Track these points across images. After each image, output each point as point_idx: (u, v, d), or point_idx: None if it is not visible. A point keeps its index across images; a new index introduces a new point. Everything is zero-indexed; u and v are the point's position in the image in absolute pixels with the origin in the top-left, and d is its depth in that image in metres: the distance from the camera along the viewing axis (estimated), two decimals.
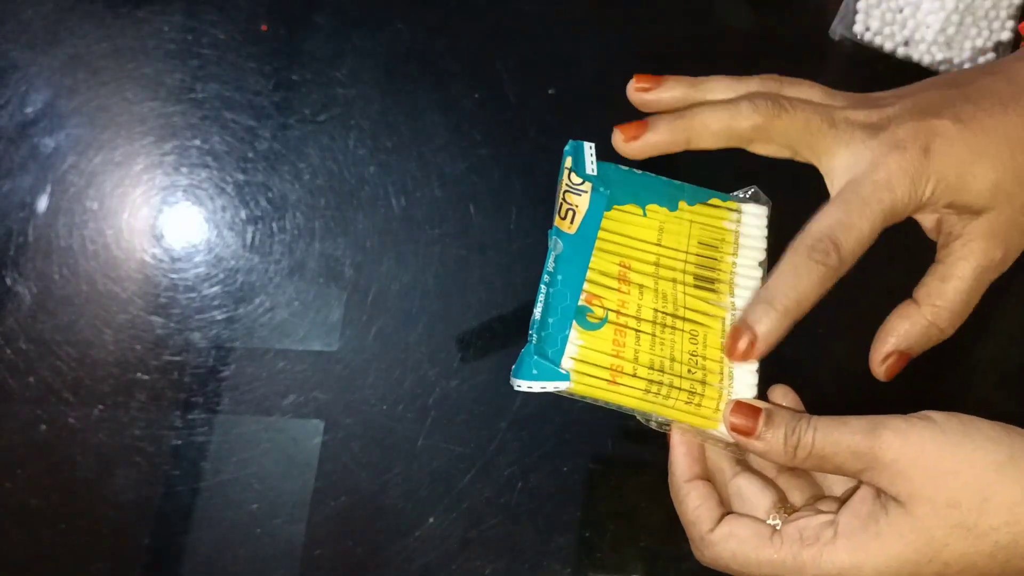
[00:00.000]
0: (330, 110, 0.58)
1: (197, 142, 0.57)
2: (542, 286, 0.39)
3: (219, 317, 0.55)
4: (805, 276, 0.36)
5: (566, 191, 0.41)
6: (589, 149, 0.42)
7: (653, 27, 0.63)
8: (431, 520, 0.53)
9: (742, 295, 0.40)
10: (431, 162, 0.58)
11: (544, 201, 0.58)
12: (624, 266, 0.40)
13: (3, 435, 0.53)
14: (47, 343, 0.53)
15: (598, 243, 0.40)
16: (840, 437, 0.34)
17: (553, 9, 0.62)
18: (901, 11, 0.60)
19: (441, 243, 0.57)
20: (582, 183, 0.41)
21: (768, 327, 0.36)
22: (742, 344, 0.36)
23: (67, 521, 0.52)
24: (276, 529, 0.53)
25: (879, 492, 0.34)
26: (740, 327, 0.37)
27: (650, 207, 0.41)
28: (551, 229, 0.40)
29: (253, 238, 0.56)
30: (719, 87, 0.40)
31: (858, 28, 0.60)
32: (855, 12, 0.60)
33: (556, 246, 0.40)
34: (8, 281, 0.54)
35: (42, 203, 0.55)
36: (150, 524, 0.52)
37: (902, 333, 0.39)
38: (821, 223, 0.37)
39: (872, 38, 0.60)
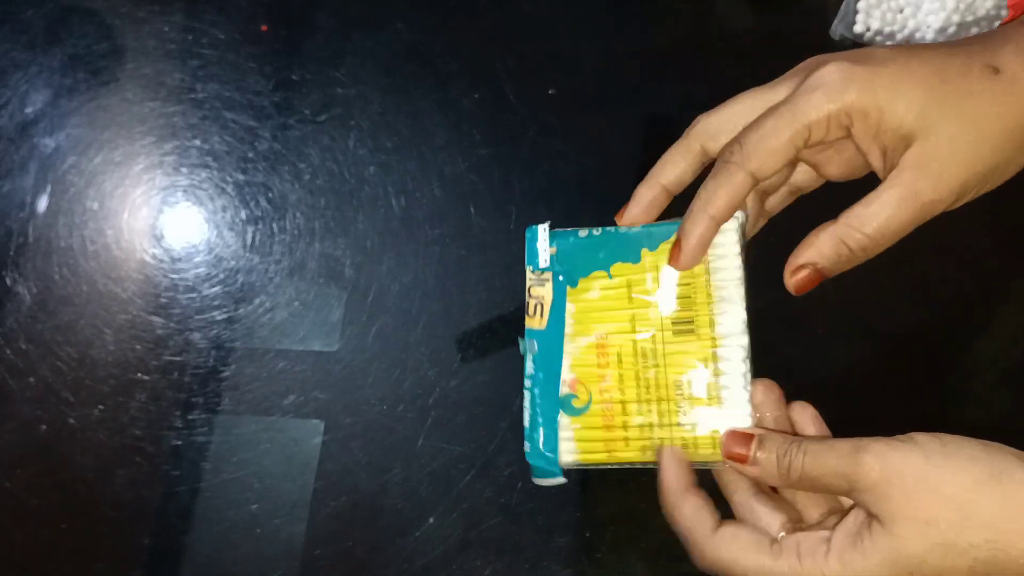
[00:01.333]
0: (330, 110, 0.58)
1: (197, 142, 0.57)
2: (525, 392, 0.41)
3: (219, 317, 0.55)
4: (715, 179, 0.39)
5: (530, 286, 0.42)
6: (542, 233, 0.42)
7: (653, 27, 0.63)
8: (431, 520, 0.53)
9: (724, 321, 0.40)
10: (431, 162, 0.58)
11: (544, 201, 0.58)
12: (600, 337, 0.41)
13: (3, 435, 0.53)
14: (47, 343, 0.53)
15: (570, 323, 0.41)
16: (826, 459, 0.35)
17: (553, 9, 0.62)
18: (901, 11, 0.60)
19: (441, 243, 0.57)
20: (542, 273, 0.42)
21: (693, 237, 0.39)
22: (672, 258, 0.40)
23: (67, 521, 0.52)
24: (276, 529, 0.53)
25: (867, 511, 0.35)
26: (675, 241, 0.40)
27: (614, 267, 0.41)
28: (525, 333, 0.42)
29: (253, 238, 0.56)
30: (669, 166, 0.42)
31: (859, 28, 0.60)
32: (856, 12, 0.60)
33: (532, 348, 0.41)
34: (8, 281, 0.54)
35: (42, 203, 0.55)
36: (150, 524, 0.52)
37: (815, 247, 0.39)
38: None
39: (873, 38, 0.60)
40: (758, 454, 0.37)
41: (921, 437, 0.34)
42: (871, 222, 0.37)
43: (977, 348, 0.60)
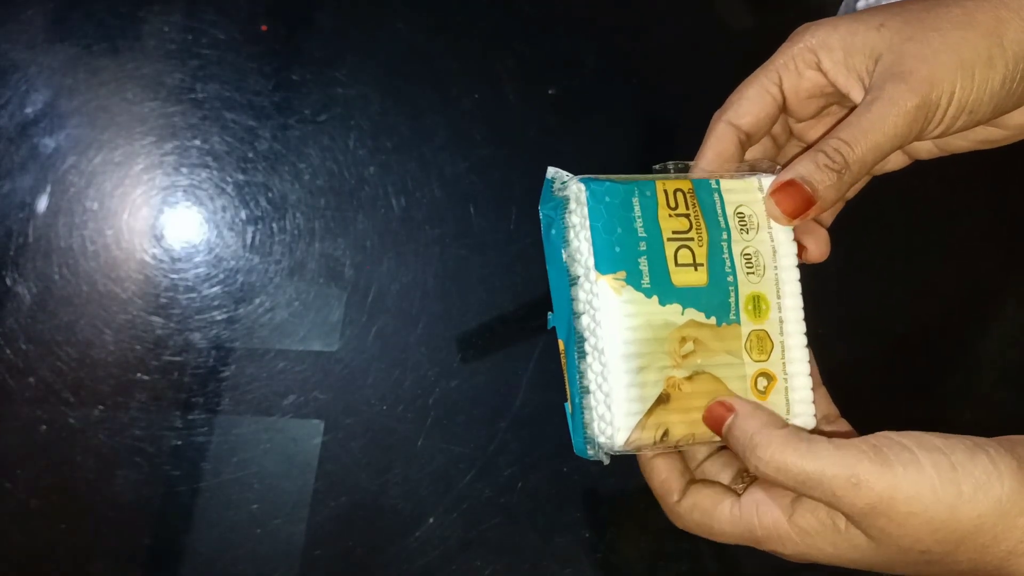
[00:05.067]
0: (330, 110, 0.58)
1: (197, 142, 0.57)
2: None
3: (219, 317, 0.55)
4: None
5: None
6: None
7: (653, 27, 0.63)
8: (431, 520, 0.53)
9: (788, 318, 0.39)
10: (431, 162, 0.58)
11: None
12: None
13: (3, 435, 0.53)
14: (47, 343, 0.53)
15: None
16: (817, 486, 0.33)
17: (553, 9, 0.62)
18: None
19: (441, 243, 0.57)
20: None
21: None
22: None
23: (67, 521, 0.52)
24: (276, 529, 0.53)
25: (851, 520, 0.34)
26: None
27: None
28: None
29: (253, 238, 0.56)
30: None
31: None
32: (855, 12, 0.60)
33: None
34: (8, 281, 0.54)
35: (42, 203, 0.55)
36: (150, 524, 0.52)
37: (801, 163, 0.37)
38: None
39: None
40: (727, 435, 0.35)
41: (927, 459, 0.32)
42: (855, 134, 0.36)
43: (977, 348, 0.60)
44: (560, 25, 0.62)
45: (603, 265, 0.36)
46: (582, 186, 0.37)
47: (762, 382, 0.38)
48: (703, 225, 0.38)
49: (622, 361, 0.36)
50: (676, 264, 0.37)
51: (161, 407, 0.53)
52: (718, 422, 0.36)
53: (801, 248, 0.40)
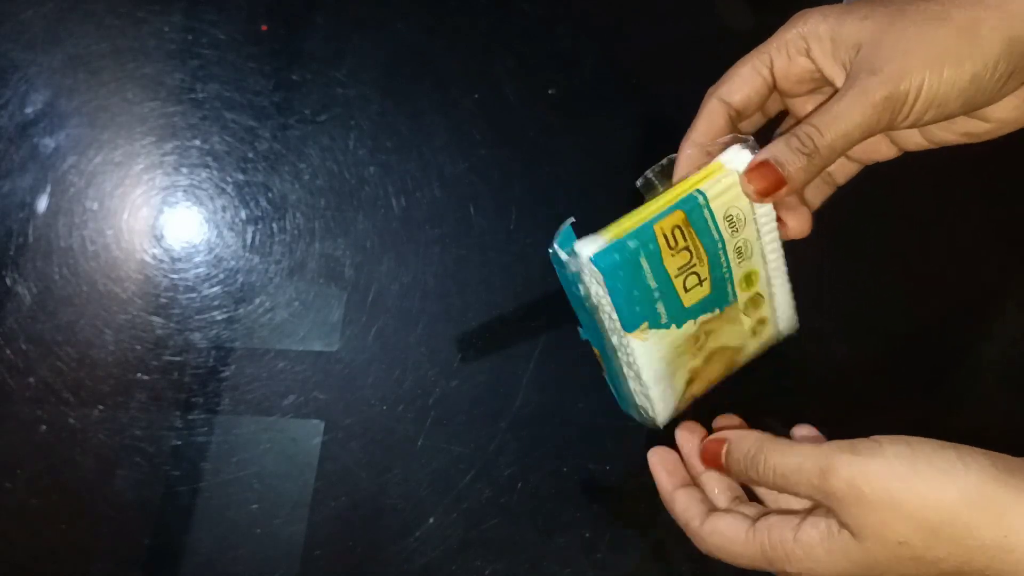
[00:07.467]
0: (330, 110, 0.58)
1: (197, 142, 0.57)
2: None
3: (219, 317, 0.55)
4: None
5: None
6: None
7: (653, 27, 0.63)
8: (431, 520, 0.53)
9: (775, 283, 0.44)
10: (431, 162, 0.58)
11: (544, 201, 0.58)
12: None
13: (3, 435, 0.53)
14: (47, 343, 0.53)
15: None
16: (792, 476, 0.37)
17: (553, 9, 0.62)
18: None
19: (441, 243, 0.57)
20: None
21: (680, 157, 0.43)
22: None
23: (67, 521, 0.52)
24: (276, 529, 0.53)
25: (837, 518, 0.36)
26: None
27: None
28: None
29: (253, 238, 0.56)
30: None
31: None
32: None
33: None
34: (8, 281, 0.54)
35: (42, 203, 0.55)
36: (150, 524, 0.52)
37: (775, 145, 0.40)
38: None
39: None
40: (727, 462, 0.40)
41: (890, 449, 0.35)
42: (826, 120, 0.38)
43: (977, 348, 0.60)
44: (560, 25, 0.62)
45: (628, 325, 0.41)
46: (594, 267, 0.40)
47: (753, 316, 0.44)
48: (701, 248, 0.41)
49: (656, 379, 0.42)
50: (686, 291, 0.42)
51: (161, 407, 0.53)
52: (715, 456, 0.41)
53: (782, 225, 0.43)
